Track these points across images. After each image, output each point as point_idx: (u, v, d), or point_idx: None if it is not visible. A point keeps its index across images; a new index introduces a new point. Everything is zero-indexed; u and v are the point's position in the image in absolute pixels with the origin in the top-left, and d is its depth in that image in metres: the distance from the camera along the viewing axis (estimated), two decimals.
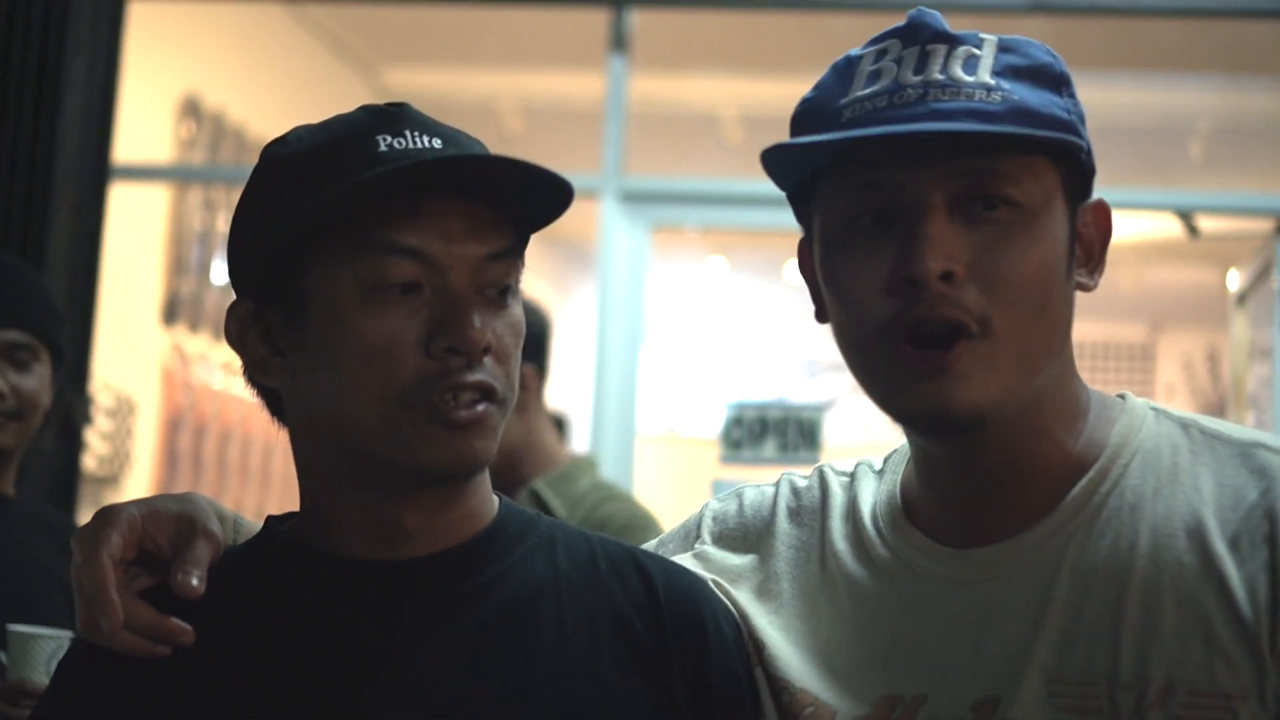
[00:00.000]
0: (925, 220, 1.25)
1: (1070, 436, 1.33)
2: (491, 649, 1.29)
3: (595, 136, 5.04)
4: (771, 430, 4.67)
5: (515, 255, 1.31)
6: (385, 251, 1.25)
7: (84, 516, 2.15)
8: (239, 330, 1.33)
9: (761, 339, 10.25)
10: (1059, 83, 1.32)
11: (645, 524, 2.78)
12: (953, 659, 1.30)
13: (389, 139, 1.28)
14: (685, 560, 1.46)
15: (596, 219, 4.99)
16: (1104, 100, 6.70)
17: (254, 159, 1.36)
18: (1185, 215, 4.89)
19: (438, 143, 1.29)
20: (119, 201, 4.97)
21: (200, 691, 1.27)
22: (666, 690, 1.31)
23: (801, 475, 1.49)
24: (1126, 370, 11.09)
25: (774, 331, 10.13)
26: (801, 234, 1.41)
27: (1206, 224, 5.03)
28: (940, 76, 1.28)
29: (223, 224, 5.95)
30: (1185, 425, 1.34)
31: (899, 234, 1.27)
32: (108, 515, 1.32)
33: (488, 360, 1.27)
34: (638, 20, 5.08)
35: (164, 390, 5.74)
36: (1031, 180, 1.27)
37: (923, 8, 1.34)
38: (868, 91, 1.30)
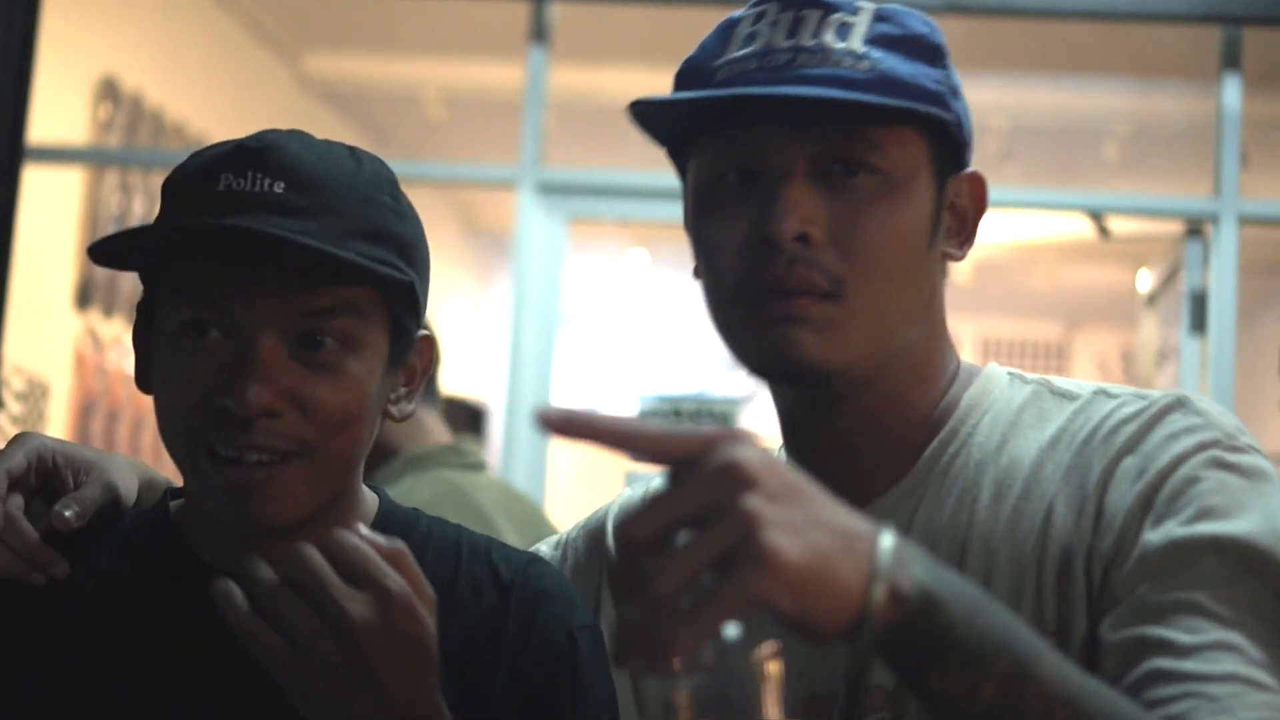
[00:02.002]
0: (784, 183, 1.26)
1: (925, 400, 1.34)
2: None
3: (516, 127, 5.03)
4: (685, 423, 4.69)
5: (346, 312, 1.25)
6: (191, 300, 1.25)
7: None
8: (134, 328, 1.36)
9: (684, 331, 10.27)
10: (933, 54, 1.32)
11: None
12: None
13: (230, 177, 1.24)
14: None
15: (514, 210, 4.99)
16: (1019, 101, 6.77)
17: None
18: (1096, 216, 4.95)
19: (280, 186, 1.24)
20: (33, 183, 4.91)
21: (44, 641, 1.28)
22: (487, 705, 1.29)
23: None
24: (1042, 369, 11.19)
25: (696, 324, 10.16)
26: None
27: (1119, 225, 5.10)
28: (810, 42, 1.28)
29: (139, 207, 5.89)
30: (1038, 385, 1.35)
31: (760, 195, 1.27)
32: (22, 438, 1.33)
33: (286, 419, 1.23)
34: (558, 12, 5.08)
35: (77, 374, 5.69)
36: (896, 148, 1.28)
37: None
38: (741, 54, 1.31)
